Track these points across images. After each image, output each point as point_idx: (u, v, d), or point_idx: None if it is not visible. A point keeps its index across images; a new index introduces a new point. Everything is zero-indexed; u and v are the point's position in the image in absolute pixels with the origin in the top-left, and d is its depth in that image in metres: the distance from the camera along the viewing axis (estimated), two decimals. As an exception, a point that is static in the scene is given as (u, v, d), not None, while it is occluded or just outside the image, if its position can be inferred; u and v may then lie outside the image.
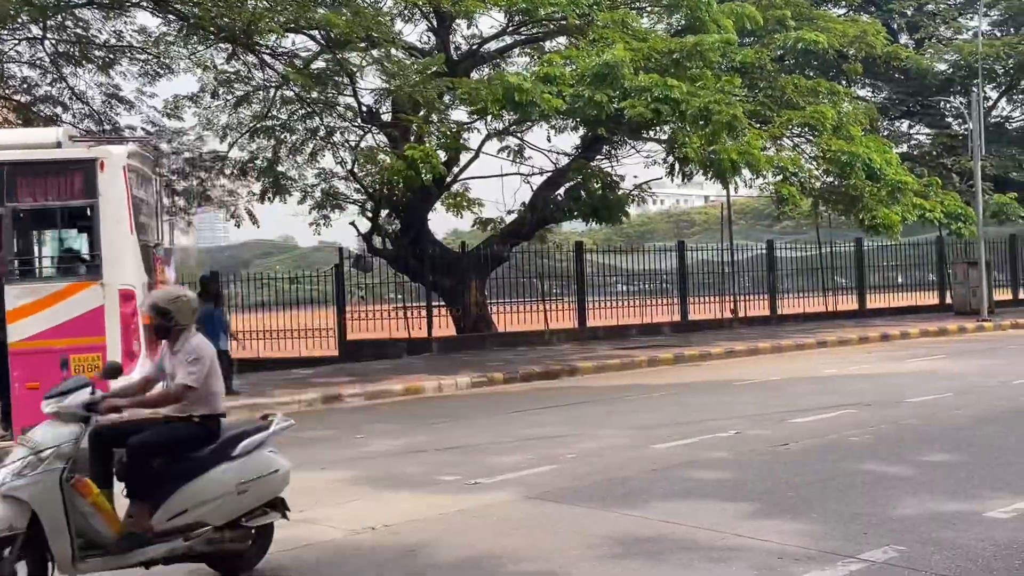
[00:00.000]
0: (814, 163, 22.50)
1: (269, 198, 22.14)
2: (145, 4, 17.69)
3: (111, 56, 20.48)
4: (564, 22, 19.16)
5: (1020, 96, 32.04)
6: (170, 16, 18.06)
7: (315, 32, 19.10)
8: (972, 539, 6.04)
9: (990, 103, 31.14)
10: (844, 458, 8.77)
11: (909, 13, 30.74)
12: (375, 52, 17.78)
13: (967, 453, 8.73)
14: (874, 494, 7.31)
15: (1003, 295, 30.52)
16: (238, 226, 24.08)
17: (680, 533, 6.50)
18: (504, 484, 8.22)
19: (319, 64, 19.49)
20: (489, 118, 19.58)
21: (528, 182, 23.34)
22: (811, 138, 22.04)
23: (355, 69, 18.12)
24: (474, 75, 22.73)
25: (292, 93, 19.65)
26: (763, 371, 16.49)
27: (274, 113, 21.50)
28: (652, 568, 5.84)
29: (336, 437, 11.55)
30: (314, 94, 19.18)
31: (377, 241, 22.61)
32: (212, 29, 16.89)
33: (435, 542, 6.58)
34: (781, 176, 21.16)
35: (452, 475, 8.72)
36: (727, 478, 8.21)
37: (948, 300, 29.10)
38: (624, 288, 27.60)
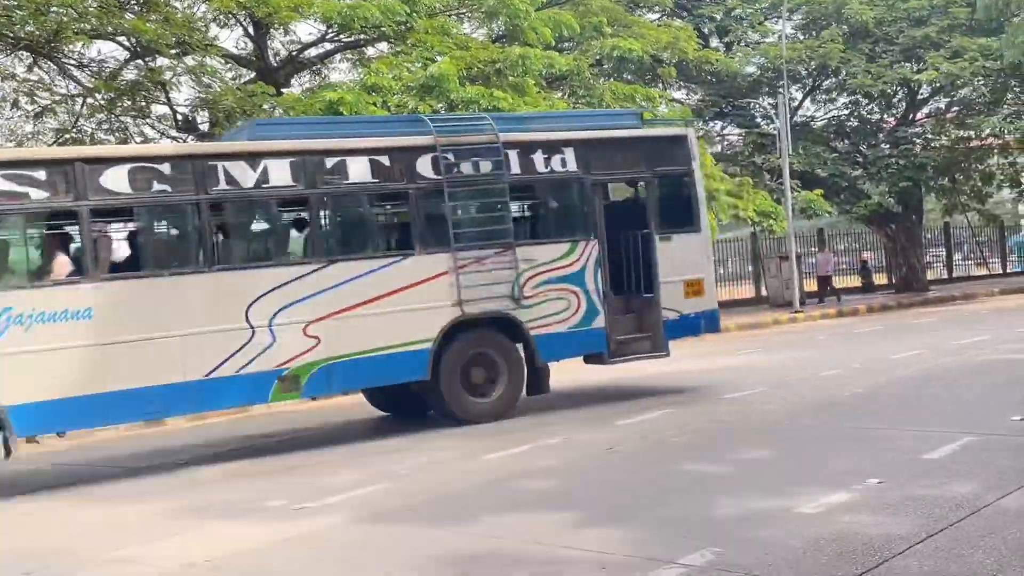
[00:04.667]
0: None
1: None
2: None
3: (-102, 65, 19.12)
4: (383, 29, 19.04)
5: (823, 96, 33.82)
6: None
7: (123, 39, 18.36)
8: (784, 536, 6.31)
9: (796, 103, 32.75)
10: (666, 460, 9.04)
11: (718, 18, 31.96)
12: (189, 60, 17.22)
13: (779, 449, 9.14)
14: (694, 495, 7.56)
15: (813, 286, 32.14)
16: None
17: (508, 548, 6.54)
18: (333, 507, 8.08)
19: (129, 73, 18.75)
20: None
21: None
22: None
23: (167, 79, 17.50)
24: (294, 82, 22.33)
25: (101, 103, 18.82)
26: (591, 370, 16.78)
27: (82, 124, 20.52)
28: (480, 588, 5.86)
29: (157, 464, 11.12)
30: (125, 103, 18.45)
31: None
32: (11, 38, 16.01)
33: (259, 574, 6.41)
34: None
35: (279, 500, 8.51)
36: (555, 487, 8.34)
37: (764, 292, 30.46)
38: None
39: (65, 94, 20.15)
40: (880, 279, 34.31)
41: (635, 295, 13.08)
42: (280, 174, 11.02)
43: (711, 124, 33.30)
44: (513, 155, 12.17)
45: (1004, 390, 11.52)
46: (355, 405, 15.10)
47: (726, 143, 33.58)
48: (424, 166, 11.71)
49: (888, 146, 31.73)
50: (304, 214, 11.53)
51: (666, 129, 14.34)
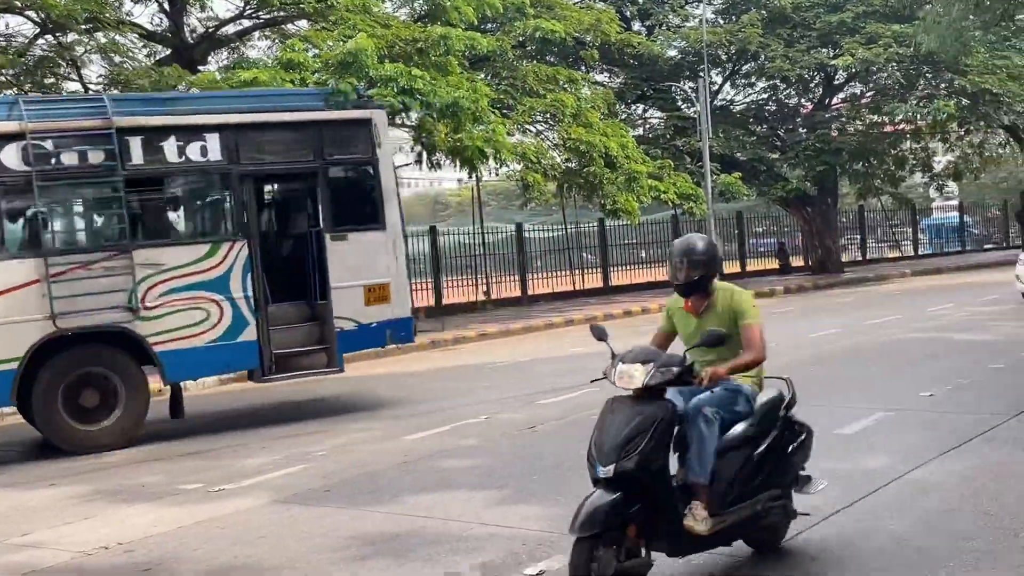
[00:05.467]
0: (556, 150, 23.20)
1: None
2: None
3: None
4: (303, 6, 18.73)
5: (742, 81, 34.22)
6: None
7: (32, 13, 17.76)
8: (701, 510, 6.36)
9: (716, 87, 33.09)
10: (587, 437, 9.03)
11: (640, 1, 32.13)
12: (100, 36, 16.72)
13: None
14: (614, 472, 7.59)
15: (733, 268, 32.66)
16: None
17: (429, 527, 6.51)
18: (250, 489, 7.96)
19: (39, 49, 18.15)
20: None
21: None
22: (552, 124, 22.67)
23: (77, 56, 16.97)
24: (212, 59, 21.87)
25: (7, 79, 18.19)
26: (515, 352, 16.87)
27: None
28: (399, 566, 5.81)
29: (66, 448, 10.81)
30: (35, 79, 17.87)
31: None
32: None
33: (173, 558, 6.27)
34: (525, 163, 21.66)
35: (194, 483, 8.36)
36: (476, 465, 8.32)
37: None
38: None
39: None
40: (797, 261, 34.99)
41: (314, 303, 11.63)
42: None
43: (633, 107, 33.49)
44: (136, 142, 10.51)
45: (915, 367, 11.82)
46: (273, 388, 14.94)
47: (648, 126, 33.80)
48: (9, 156, 10.01)
49: (805, 130, 32.28)
50: None
51: (343, 112, 12.22)
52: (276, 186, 12.61)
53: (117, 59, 17.43)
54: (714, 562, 5.39)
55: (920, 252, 40.70)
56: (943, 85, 30.65)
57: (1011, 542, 5.42)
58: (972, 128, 33.90)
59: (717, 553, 5.51)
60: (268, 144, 11.50)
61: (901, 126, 33.20)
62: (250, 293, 10.87)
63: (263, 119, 11.38)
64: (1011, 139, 36.96)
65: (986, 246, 43.10)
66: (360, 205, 11.76)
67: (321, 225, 11.49)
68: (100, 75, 19.60)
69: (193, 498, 7.85)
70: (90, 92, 19.61)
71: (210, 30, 21.92)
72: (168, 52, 20.71)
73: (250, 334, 10.87)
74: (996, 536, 5.53)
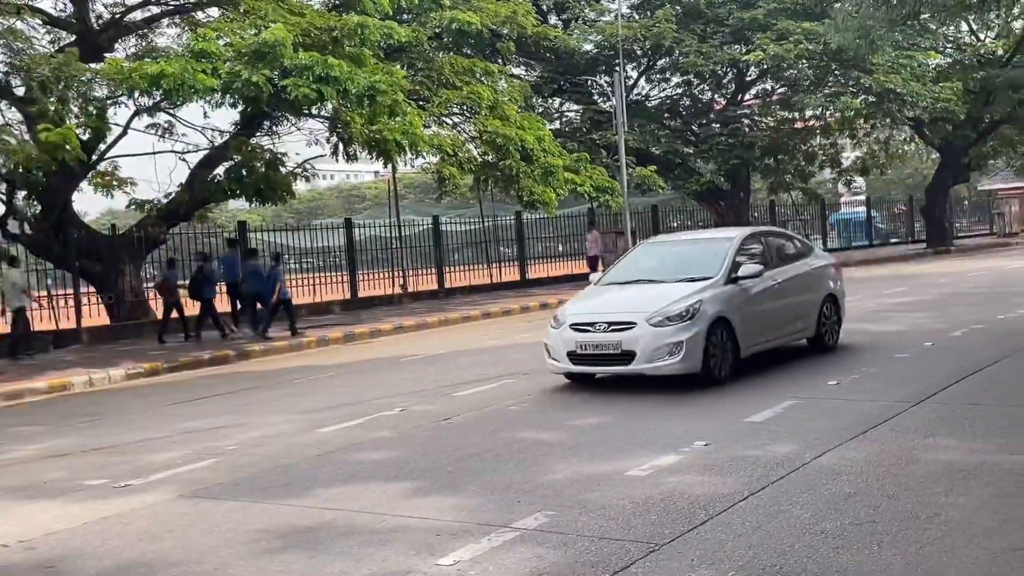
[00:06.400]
0: (473, 143, 23.18)
1: None
2: None
3: None
4: (215, -7, 18.39)
5: (657, 76, 34.62)
6: None
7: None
8: (614, 498, 6.41)
9: (631, 82, 33.40)
10: (503, 428, 9.07)
11: (556, -6, 32.27)
12: None
13: (612, 415, 9.30)
14: (529, 462, 7.61)
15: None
16: None
17: (341, 519, 6.43)
18: (157, 484, 7.77)
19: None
20: (137, 94, 18.37)
21: (185, 160, 22.26)
22: (469, 116, 22.64)
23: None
24: (119, 47, 21.31)
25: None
26: (431, 345, 16.80)
27: None
28: (310, 559, 5.72)
29: (-33, 446, 10.45)
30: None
31: (13, 225, 20.69)
32: None
33: (76, 555, 6.09)
34: (441, 156, 21.58)
35: (99, 479, 8.13)
36: (390, 458, 8.24)
37: (601, 267, 31.03)
38: (295, 266, 27.15)
39: None
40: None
41: None
42: None
43: (550, 100, 33.62)
44: None
45: (823, 357, 12.06)
46: (184, 382, 14.69)
47: (564, 119, 33.97)
48: None
49: (718, 125, 32.78)
50: None
51: None
52: None
53: (17, 46, 16.83)
54: (625, 551, 5.42)
55: (829, 246, 41.58)
56: (851, 83, 31.39)
57: (912, 523, 5.55)
58: (878, 124, 34.79)
59: (628, 540, 5.55)
60: None
61: (811, 122, 33.94)
62: None
63: None
64: (916, 136, 38.04)
65: (892, 240, 44.28)
66: None
67: None
68: (1, 61, 18.96)
69: (98, 494, 7.63)
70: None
71: (117, 16, 21.37)
72: (72, 38, 20.14)
73: None
74: (898, 518, 5.66)
